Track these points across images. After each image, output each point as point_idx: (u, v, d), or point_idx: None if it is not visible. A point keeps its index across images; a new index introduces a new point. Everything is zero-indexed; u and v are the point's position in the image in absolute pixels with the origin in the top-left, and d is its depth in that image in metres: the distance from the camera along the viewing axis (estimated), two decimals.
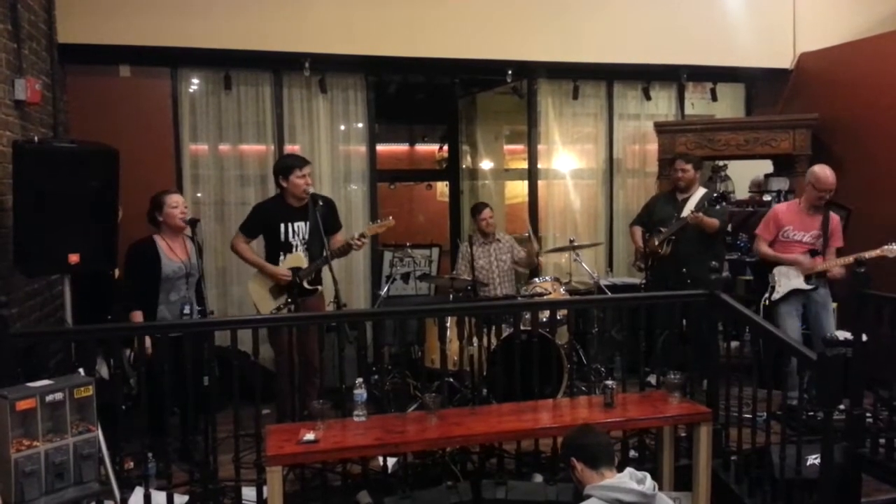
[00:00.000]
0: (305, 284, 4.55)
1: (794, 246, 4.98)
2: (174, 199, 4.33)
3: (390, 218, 4.72)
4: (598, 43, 6.18)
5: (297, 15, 5.53)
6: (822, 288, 4.95)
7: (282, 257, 4.59)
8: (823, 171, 4.88)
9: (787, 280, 4.95)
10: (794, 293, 4.93)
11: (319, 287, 4.73)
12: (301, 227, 4.61)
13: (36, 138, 4.08)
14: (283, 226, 4.58)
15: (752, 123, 6.42)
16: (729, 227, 6.41)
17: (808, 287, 4.89)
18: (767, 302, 4.99)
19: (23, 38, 4.31)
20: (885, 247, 4.61)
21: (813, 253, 4.93)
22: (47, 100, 4.79)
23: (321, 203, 4.55)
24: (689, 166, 5.50)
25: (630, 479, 2.54)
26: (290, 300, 4.50)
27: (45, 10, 4.86)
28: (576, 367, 5.09)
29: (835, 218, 5.01)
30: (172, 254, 4.31)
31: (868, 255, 4.58)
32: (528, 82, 6.57)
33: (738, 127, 6.34)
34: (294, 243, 4.61)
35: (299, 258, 4.56)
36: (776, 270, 5.01)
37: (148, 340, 4.00)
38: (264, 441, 3.43)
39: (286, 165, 4.64)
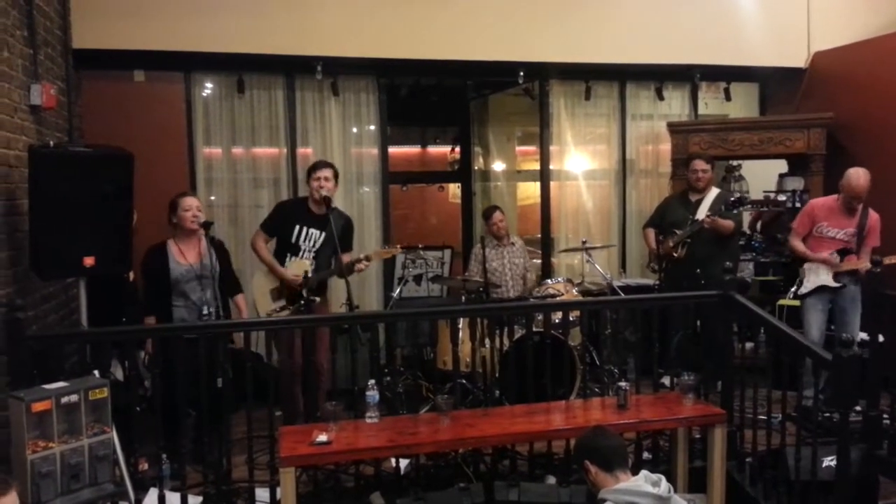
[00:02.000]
0: (304, 293, 4.52)
1: (828, 242, 4.94)
2: (187, 202, 4.35)
3: (398, 247, 4.84)
4: (610, 43, 6.16)
5: (308, 18, 5.56)
6: (852, 286, 4.90)
7: (288, 259, 4.59)
8: (857, 177, 4.82)
9: (815, 276, 4.93)
10: (822, 289, 4.91)
11: (316, 299, 4.62)
12: (315, 235, 4.62)
13: (51, 143, 4.11)
14: (297, 227, 4.60)
15: (767, 123, 6.38)
16: (750, 229, 6.39)
17: (836, 285, 4.86)
18: (793, 295, 4.96)
19: (38, 43, 4.35)
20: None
21: (847, 251, 4.89)
22: (62, 105, 4.84)
23: (334, 207, 4.55)
24: (708, 166, 5.47)
25: (645, 482, 2.52)
26: (286, 307, 4.50)
27: (60, 17, 4.91)
28: (589, 368, 5.07)
29: (873, 216, 4.94)
30: (182, 257, 4.33)
31: (888, 260, 4.53)
32: (539, 83, 6.55)
33: (752, 127, 6.30)
34: (303, 248, 4.62)
35: (304, 265, 4.56)
36: (806, 265, 5.00)
37: (149, 344, 4.06)
38: (278, 442, 3.45)
39: (308, 169, 4.71)
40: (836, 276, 4.87)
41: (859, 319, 4.93)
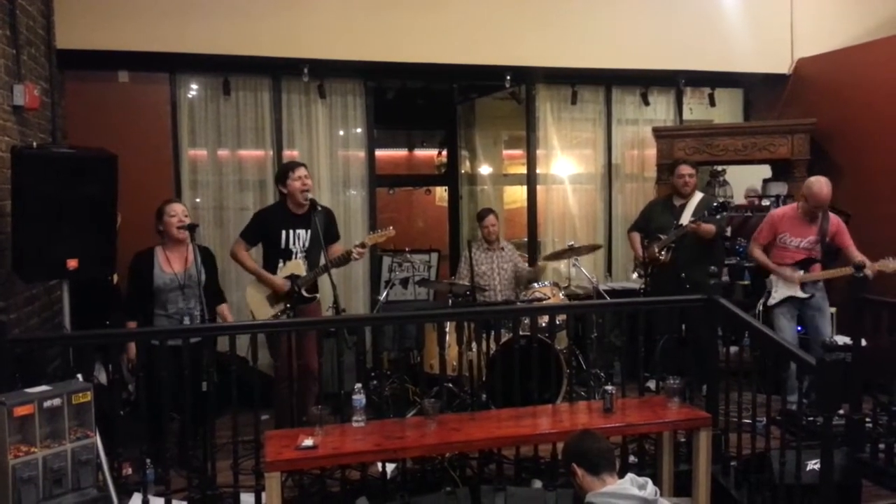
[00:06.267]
0: (304, 292, 4.54)
1: (791, 252, 4.98)
2: (172, 208, 4.29)
3: (390, 228, 4.69)
4: (596, 48, 6.19)
5: (296, 20, 5.54)
6: (819, 292, 4.97)
7: (280, 264, 4.58)
8: (819, 187, 4.82)
9: (783, 286, 4.97)
10: (790, 299, 4.95)
11: (317, 295, 4.72)
12: (301, 235, 4.61)
13: (34, 144, 4.08)
14: (283, 233, 4.58)
15: (751, 128, 6.43)
16: (728, 232, 6.44)
17: (804, 296, 4.91)
18: (763, 307, 5.00)
19: (21, 43, 4.31)
20: (882, 261, 4.62)
21: (810, 260, 4.92)
22: (46, 105, 4.79)
23: (320, 209, 4.55)
24: (694, 171, 5.53)
25: (631, 485, 2.53)
26: (287, 308, 4.49)
27: (43, 16, 4.86)
28: (575, 372, 5.08)
29: (834, 220, 4.98)
30: (168, 265, 4.25)
31: (868, 269, 4.57)
32: (526, 87, 6.58)
33: (736, 132, 6.35)
34: (294, 250, 4.60)
35: (298, 266, 4.55)
36: (773, 276, 5.03)
37: (132, 350, 4.03)
38: (263, 447, 3.42)
39: (282, 171, 4.69)
40: (803, 287, 4.91)
41: (829, 324, 4.99)
